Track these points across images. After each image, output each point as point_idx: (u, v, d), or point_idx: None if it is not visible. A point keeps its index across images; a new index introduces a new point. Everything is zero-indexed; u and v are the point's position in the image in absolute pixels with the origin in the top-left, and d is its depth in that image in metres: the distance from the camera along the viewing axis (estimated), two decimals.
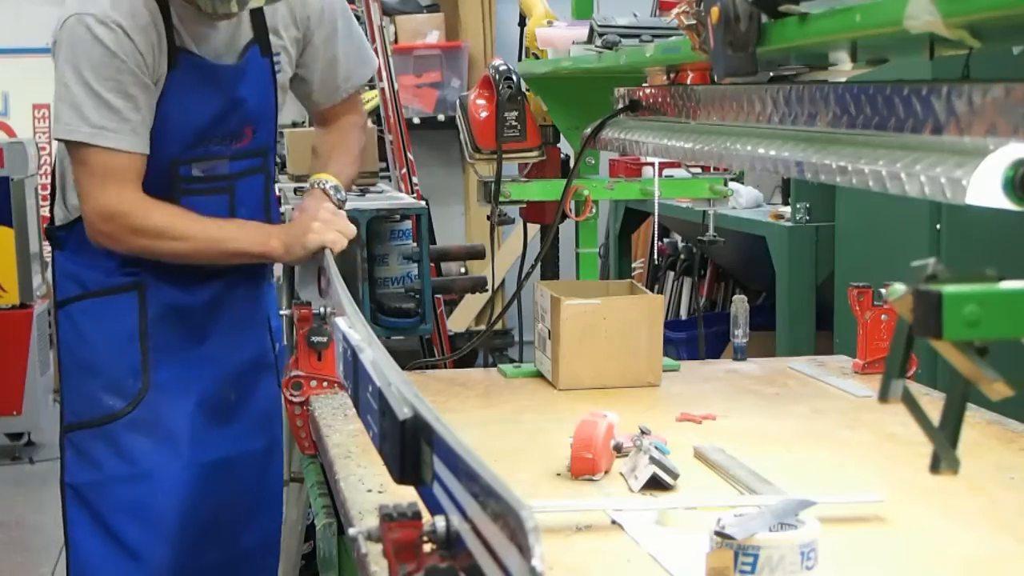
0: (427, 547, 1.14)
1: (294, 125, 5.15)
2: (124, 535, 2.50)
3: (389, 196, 3.17)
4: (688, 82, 1.89)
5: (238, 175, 2.52)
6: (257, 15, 2.48)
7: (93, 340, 2.52)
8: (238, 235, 2.43)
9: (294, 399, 2.25)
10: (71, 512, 2.53)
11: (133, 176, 2.35)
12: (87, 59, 2.29)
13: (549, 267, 2.99)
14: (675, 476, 1.72)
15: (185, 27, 2.38)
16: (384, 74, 4.22)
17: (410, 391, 1.34)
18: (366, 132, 2.82)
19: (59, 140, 2.39)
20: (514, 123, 2.52)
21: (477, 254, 3.73)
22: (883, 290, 2.25)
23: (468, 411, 2.21)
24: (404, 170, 4.10)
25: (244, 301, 2.64)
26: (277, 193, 3.28)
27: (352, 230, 2.44)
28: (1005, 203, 1.04)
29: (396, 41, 6.37)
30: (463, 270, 5.78)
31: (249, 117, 2.52)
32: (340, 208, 2.49)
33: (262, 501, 2.69)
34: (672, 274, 5.21)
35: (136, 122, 2.33)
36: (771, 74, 1.57)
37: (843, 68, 1.53)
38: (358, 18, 4.41)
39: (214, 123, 2.44)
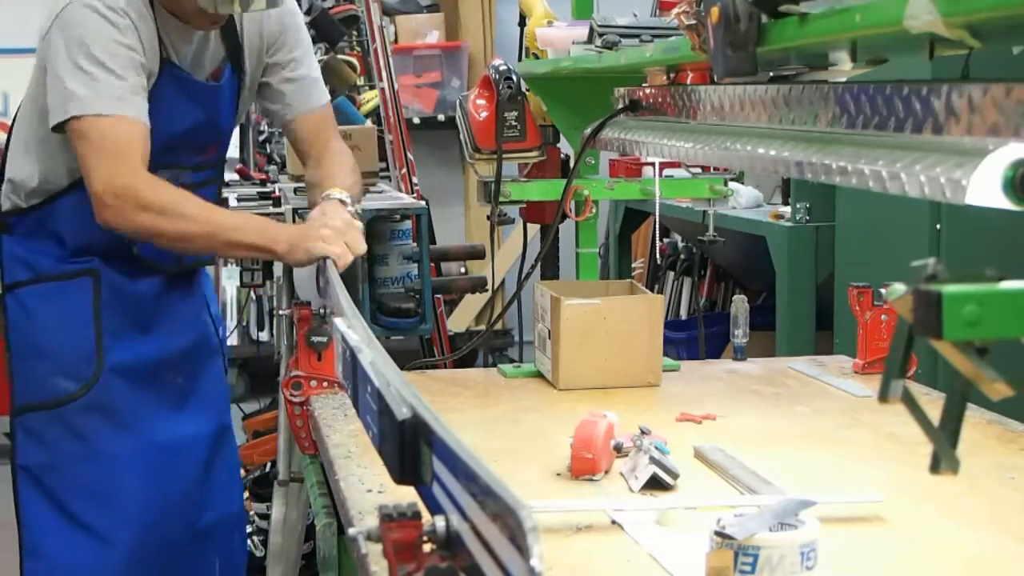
0: (427, 547, 1.14)
1: None
2: (82, 515, 2.54)
3: (389, 196, 3.16)
4: (688, 82, 1.89)
5: (197, 185, 2.56)
6: (230, 32, 2.55)
7: (45, 323, 2.56)
8: (246, 226, 2.41)
9: (294, 399, 2.25)
10: (24, 493, 2.57)
11: (139, 151, 2.34)
12: (93, 37, 2.32)
13: (549, 267, 2.99)
14: (675, 476, 1.72)
15: (168, 38, 2.45)
16: (384, 74, 4.21)
17: (409, 391, 1.34)
18: (353, 159, 2.74)
19: (61, 125, 2.37)
20: (514, 123, 2.52)
21: (477, 254, 3.72)
22: (883, 290, 2.25)
23: (468, 411, 2.21)
24: (404, 170, 4.10)
25: (183, 289, 2.73)
26: (276, 193, 3.30)
27: (362, 247, 2.36)
28: (1005, 203, 1.04)
29: (396, 41, 6.37)
30: (463, 270, 5.78)
31: (218, 133, 2.62)
32: (356, 219, 2.43)
33: (218, 483, 2.74)
34: (672, 274, 5.21)
35: (139, 97, 2.37)
36: (771, 74, 1.57)
37: (843, 68, 1.53)
38: (357, 18, 4.43)
39: (187, 135, 2.51)
